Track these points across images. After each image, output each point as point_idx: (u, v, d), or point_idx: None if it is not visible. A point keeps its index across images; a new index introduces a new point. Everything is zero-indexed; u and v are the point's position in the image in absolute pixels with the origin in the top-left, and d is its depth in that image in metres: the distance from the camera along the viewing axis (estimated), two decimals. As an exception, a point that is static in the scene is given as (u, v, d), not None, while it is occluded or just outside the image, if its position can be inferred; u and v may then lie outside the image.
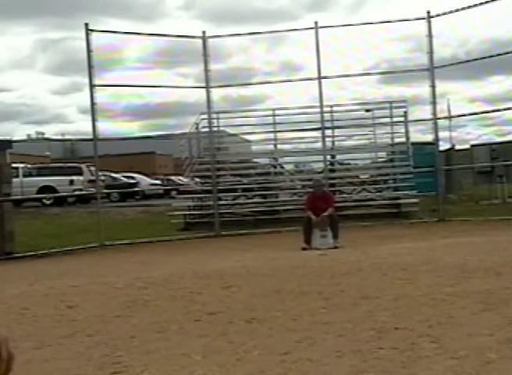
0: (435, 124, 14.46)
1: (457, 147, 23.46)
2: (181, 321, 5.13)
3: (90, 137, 13.25)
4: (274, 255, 9.31)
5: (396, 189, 15.85)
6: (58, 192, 24.12)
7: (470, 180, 22.20)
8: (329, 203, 10.62)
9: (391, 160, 16.76)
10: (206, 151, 15.73)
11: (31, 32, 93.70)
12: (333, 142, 16.55)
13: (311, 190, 11.45)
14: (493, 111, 16.40)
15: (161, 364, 3.96)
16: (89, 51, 12.81)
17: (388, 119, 16.39)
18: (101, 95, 13.06)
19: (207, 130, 15.38)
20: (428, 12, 14.00)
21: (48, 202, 23.79)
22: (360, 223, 13.77)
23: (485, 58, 14.58)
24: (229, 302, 5.84)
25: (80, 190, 23.92)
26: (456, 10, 13.87)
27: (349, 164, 18.65)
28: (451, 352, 3.82)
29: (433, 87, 14.16)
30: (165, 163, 54.11)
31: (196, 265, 8.88)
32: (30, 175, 25.38)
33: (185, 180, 20.60)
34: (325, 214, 10.32)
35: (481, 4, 13.44)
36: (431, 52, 14.16)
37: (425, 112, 15.26)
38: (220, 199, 15.09)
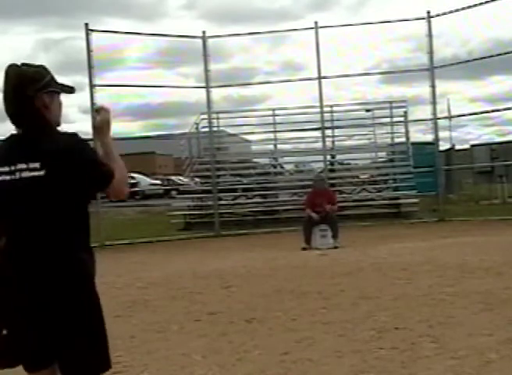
0: (435, 124, 14.47)
1: (457, 147, 23.45)
2: (181, 321, 5.12)
3: (90, 137, 13.24)
4: (274, 255, 9.31)
5: (396, 189, 15.84)
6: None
7: (470, 180, 22.18)
8: (331, 199, 10.60)
9: (391, 160, 16.75)
10: (206, 151, 15.72)
11: (32, 32, 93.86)
12: (333, 142, 16.57)
13: (310, 190, 11.42)
14: (493, 111, 16.46)
15: (161, 364, 3.96)
16: (89, 51, 12.81)
17: (388, 119, 16.41)
18: (101, 95, 13.09)
19: (207, 130, 15.39)
20: (428, 12, 14.01)
21: (47, 202, 23.77)
22: (360, 223, 13.77)
23: (485, 58, 14.61)
24: (229, 302, 5.83)
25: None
26: (457, 10, 13.89)
27: (349, 164, 18.64)
28: (451, 352, 3.82)
29: (433, 87, 14.16)
30: (165, 163, 54.07)
31: (196, 265, 8.88)
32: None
33: (185, 180, 20.59)
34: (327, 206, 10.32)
35: (482, 4, 13.46)
36: (431, 52, 14.16)
37: (425, 112, 15.29)
38: (220, 199, 15.08)
